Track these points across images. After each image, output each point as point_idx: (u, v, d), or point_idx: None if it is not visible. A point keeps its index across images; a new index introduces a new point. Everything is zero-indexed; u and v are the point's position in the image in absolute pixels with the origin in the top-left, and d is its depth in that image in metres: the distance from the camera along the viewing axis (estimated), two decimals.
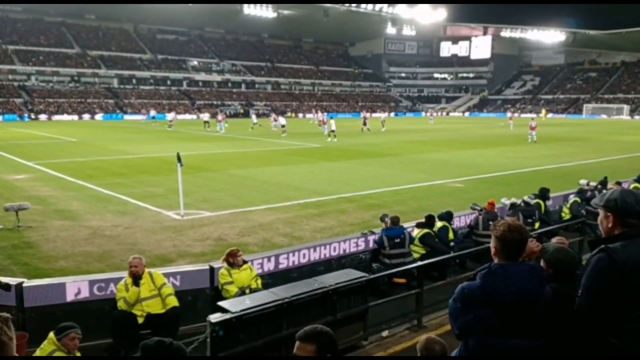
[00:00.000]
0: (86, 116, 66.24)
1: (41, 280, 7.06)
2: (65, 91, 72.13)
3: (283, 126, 40.55)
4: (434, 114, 72.46)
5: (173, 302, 6.24)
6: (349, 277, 6.54)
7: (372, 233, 9.09)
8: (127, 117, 68.06)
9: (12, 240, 10.27)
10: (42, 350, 4.77)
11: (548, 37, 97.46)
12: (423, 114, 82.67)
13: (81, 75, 75.73)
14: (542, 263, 3.25)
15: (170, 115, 52.17)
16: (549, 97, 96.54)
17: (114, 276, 6.82)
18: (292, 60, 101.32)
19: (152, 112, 58.64)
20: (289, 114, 76.50)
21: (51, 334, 4.87)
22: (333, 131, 35.33)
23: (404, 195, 15.54)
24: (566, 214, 11.45)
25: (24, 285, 6.53)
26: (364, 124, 44.03)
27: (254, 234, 10.99)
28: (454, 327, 2.93)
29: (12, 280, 6.54)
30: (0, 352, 1.65)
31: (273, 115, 51.07)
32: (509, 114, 60.73)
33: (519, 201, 10.72)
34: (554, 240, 4.26)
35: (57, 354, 4.79)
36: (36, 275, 7.86)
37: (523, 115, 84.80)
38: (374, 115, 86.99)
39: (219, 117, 47.02)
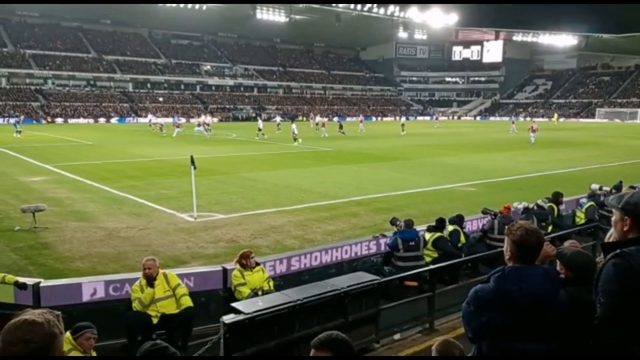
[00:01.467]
0: (102, 119, 66.93)
1: (58, 281, 7.18)
2: (81, 95, 73.04)
3: (260, 129, 40.36)
4: (440, 118, 72.33)
5: (187, 302, 6.32)
6: (360, 280, 6.56)
7: (384, 236, 9.12)
8: (140, 120, 68.75)
9: (29, 241, 10.43)
10: None
11: (560, 41, 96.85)
12: (433, 117, 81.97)
13: (97, 80, 76.69)
14: (558, 266, 3.23)
15: (160, 120, 51.41)
16: (561, 101, 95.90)
17: (129, 277, 6.92)
18: (304, 64, 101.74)
19: (150, 117, 58.80)
20: (300, 117, 76.71)
21: (67, 334, 4.94)
22: (295, 134, 35.07)
23: (415, 198, 15.54)
24: (581, 218, 11.37)
25: (41, 285, 6.65)
26: (340, 127, 44.59)
27: (266, 236, 11.06)
28: (467, 330, 2.93)
29: (29, 280, 6.67)
30: (52, 343, 1.72)
31: (179, 121, 48.79)
32: (513, 119, 61.44)
33: (531, 205, 10.69)
34: (567, 243, 4.27)
35: (73, 353, 4.86)
36: (52, 276, 7.97)
37: (535, 120, 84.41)
38: (384, 119, 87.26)
39: (176, 121, 44.91)
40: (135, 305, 6.26)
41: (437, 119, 68.88)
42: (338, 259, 8.56)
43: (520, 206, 10.60)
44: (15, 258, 9.39)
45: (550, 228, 10.28)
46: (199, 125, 43.64)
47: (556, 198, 11.35)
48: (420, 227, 9.21)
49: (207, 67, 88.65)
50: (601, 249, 2.87)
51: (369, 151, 30.13)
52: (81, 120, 65.54)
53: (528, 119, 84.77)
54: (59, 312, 1.83)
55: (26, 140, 36.13)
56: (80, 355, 4.89)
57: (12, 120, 47.12)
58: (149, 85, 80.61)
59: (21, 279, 6.48)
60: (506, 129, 49.00)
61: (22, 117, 45.49)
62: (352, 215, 13.08)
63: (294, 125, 36.50)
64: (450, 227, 9.28)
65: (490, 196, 15.50)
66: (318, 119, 54.22)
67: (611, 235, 3.32)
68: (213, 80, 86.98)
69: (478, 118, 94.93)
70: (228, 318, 5.39)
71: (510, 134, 47.13)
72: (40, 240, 10.51)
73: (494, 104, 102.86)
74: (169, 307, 6.30)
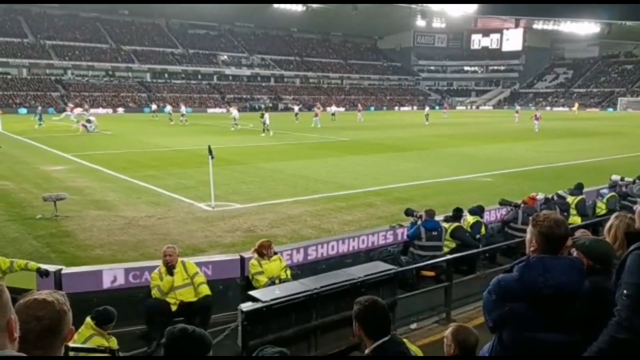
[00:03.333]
0: (120, 109, 67.59)
1: (79, 268, 7.31)
2: (99, 85, 73.81)
3: (235, 119, 39.34)
4: (448, 108, 71.73)
5: (205, 290, 6.39)
6: (377, 270, 6.57)
7: (401, 226, 9.11)
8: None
9: (51, 229, 10.62)
10: (80, 335, 4.94)
11: (582, 29, 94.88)
12: (442, 107, 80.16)
13: (115, 70, 77.39)
14: (575, 254, 3.18)
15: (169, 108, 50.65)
16: (582, 90, 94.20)
17: (149, 265, 7.02)
18: (321, 54, 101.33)
19: (153, 106, 58.19)
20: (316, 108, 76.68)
21: (88, 319, 5.04)
22: (266, 125, 33.97)
23: (431, 189, 15.46)
24: (602, 208, 11.22)
25: (63, 272, 6.78)
26: (262, 116, 43.50)
27: (283, 225, 11.11)
28: (487, 319, 2.88)
29: (51, 267, 6.79)
30: (62, 320, 1.81)
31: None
32: (518, 108, 61.36)
33: (550, 196, 10.58)
34: (578, 233, 4.21)
35: (96, 338, 4.95)
36: (73, 263, 8.09)
37: (555, 109, 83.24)
38: (402, 109, 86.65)
39: (75, 110, 41.81)
40: (155, 293, 6.35)
41: (445, 108, 68.33)
42: (355, 248, 8.58)
43: (541, 196, 10.48)
44: (38, 245, 9.58)
45: (578, 219, 10.21)
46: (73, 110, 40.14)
47: (580, 189, 11.22)
48: (437, 218, 9.16)
49: (224, 57, 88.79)
50: (625, 238, 2.82)
51: (385, 141, 30.01)
52: (100, 110, 66.20)
53: (548, 108, 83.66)
54: (63, 292, 1.91)
55: (46, 129, 36.65)
56: (104, 340, 4.98)
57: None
58: (166, 75, 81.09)
59: (43, 266, 6.60)
60: (523, 119, 48.42)
61: (39, 109, 45.32)
62: (369, 206, 13.07)
63: (267, 115, 35.47)
64: (471, 218, 9.23)
65: (508, 186, 15.37)
66: (332, 108, 54.34)
67: (612, 225, 3.27)
68: (230, 70, 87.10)
69: (505, 107, 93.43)
70: (246, 306, 5.44)
71: (515, 124, 46.59)
72: (62, 229, 10.70)
73: (513, 94, 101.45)
74: (188, 295, 6.38)
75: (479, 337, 3.26)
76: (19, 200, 13.33)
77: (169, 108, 51.37)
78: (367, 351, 2.89)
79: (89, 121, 35.76)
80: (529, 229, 2.86)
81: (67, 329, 1.84)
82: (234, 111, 41.39)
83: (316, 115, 43.65)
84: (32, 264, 6.44)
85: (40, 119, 39.76)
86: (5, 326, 1.58)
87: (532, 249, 2.82)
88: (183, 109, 48.19)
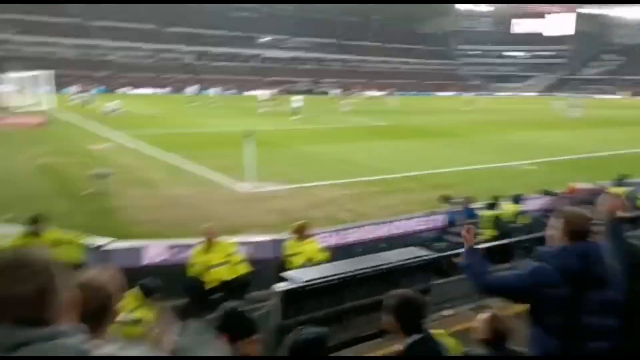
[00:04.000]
0: (165, 90, 68.80)
1: (125, 243, 7.62)
2: (144, 66, 75.29)
3: (262, 101, 39.04)
4: (487, 94, 70.14)
5: (242, 269, 6.58)
6: (412, 255, 6.58)
7: (437, 213, 9.09)
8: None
9: (96, 205, 11.03)
10: (125, 307, 5.15)
11: (632, 13, 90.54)
12: (484, 93, 77.85)
13: (160, 51, 78.68)
14: None
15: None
16: (633, 77, 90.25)
17: (189, 242, 7.25)
18: (361, 37, 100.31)
19: (194, 87, 57.80)
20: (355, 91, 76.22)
21: (133, 290, 5.24)
22: (296, 108, 33.51)
23: (471, 176, 15.23)
24: None
25: (110, 246, 7.09)
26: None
27: (320, 208, 11.19)
28: (504, 287, 3.00)
29: (98, 242, 7.10)
30: (117, 298, 1.92)
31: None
32: (563, 94, 59.67)
33: (593, 186, 10.32)
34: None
35: (141, 310, 5.16)
36: (118, 239, 8.41)
37: (604, 97, 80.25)
38: (442, 94, 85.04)
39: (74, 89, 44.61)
40: (194, 270, 6.57)
41: (483, 95, 66.73)
42: (390, 233, 8.62)
43: (582, 186, 10.25)
44: (84, 221, 9.96)
45: None
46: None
47: (621, 180, 10.87)
48: (475, 205, 9.09)
49: (265, 39, 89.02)
50: None
51: (425, 127, 29.66)
52: (144, 91, 67.62)
53: (596, 95, 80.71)
54: (116, 270, 1.99)
55: (92, 108, 37.71)
56: (148, 311, 5.17)
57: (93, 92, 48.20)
58: (209, 56, 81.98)
59: (90, 241, 6.91)
60: (568, 106, 46.86)
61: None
62: (406, 191, 13.03)
63: (299, 98, 34.85)
64: (512, 207, 9.11)
65: (552, 176, 15.00)
66: (370, 92, 54.35)
67: None
68: (270, 53, 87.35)
69: (554, 94, 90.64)
70: (280, 286, 5.54)
71: (559, 111, 45.07)
72: (107, 205, 11.10)
73: (559, 80, 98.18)
74: (225, 273, 6.58)
75: (513, 328, 3.27)
76: (68, 177, 13.88)
77: (193, 88, 51.66)
78: (399, 346, 2.89)
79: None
80: (554, 221, 2.90)
81: (114, 307, 1.93)
82: (264, 94, 42.04)
83: (349, 98, 43.90)
84: (81, 238, 6.75)
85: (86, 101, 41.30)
86: (68, 302, 1.68)
87: (559, 236, 2.86)
88: (211, 91, 48.88)
